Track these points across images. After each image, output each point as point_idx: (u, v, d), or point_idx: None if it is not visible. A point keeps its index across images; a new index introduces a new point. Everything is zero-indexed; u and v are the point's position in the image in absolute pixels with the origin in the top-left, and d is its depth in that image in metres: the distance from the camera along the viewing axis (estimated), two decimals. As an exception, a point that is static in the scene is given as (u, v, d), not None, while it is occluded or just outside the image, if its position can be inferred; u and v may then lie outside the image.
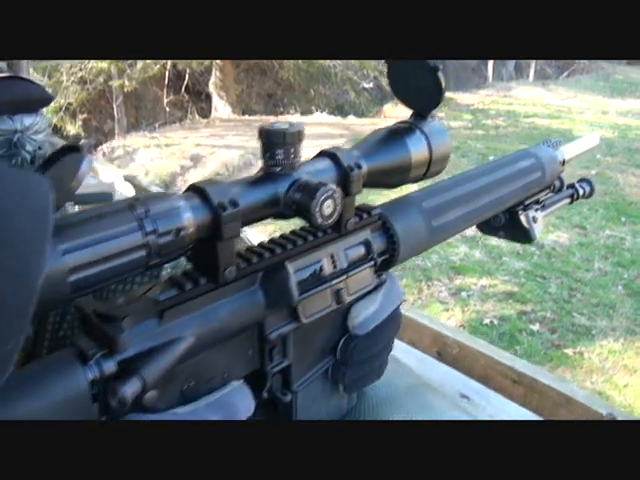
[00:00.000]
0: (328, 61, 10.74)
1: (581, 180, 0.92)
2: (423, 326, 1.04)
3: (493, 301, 3.62)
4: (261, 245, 0.56)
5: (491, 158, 6.32)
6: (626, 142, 7.38)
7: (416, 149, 0.63)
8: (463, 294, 3.70)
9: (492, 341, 3.17)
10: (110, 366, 0.44)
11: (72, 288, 0.40)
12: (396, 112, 9.89)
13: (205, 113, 11.02)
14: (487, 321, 3.39)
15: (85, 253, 0.40)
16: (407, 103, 0.64)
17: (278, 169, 0.53)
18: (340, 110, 11.41)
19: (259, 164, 0.55)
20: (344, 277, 0.60)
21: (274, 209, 0.54)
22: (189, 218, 0.46)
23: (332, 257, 0.59)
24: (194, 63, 10.09)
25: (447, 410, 0.70)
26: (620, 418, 0.82)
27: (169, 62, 10.05)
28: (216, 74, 10.62)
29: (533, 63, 13.74)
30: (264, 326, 0.55)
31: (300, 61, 11.16)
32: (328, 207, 0.53)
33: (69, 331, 0.55)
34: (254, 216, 0.52)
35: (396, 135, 0.64)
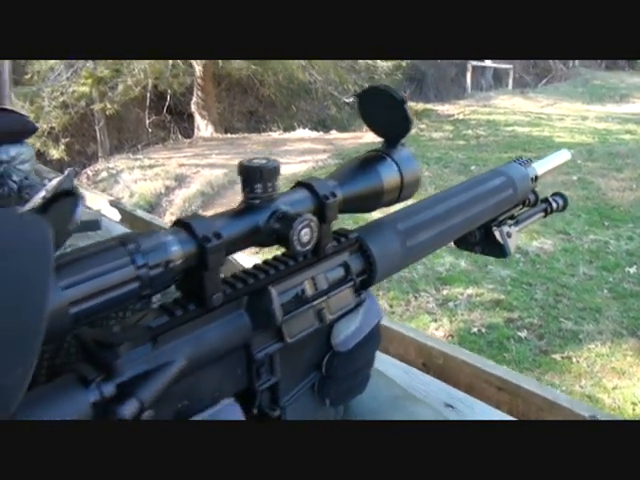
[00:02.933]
0: (308, 76, 10.81)
1: (555, 194, 0.94)
2: (409, 338, 1.06)
3: (480, 310, 3.66)
4: (245, 271, 0.58)
5: (473, 168, 6.39)
6: (606, 147, 7.49)
7: (387, 176, 0.66)
8: (450, 304, 3.73)
9: (480, 349, 3.20)
10: (109, 389, 0.46)
11: (72, 320, 0.43)
12: (378, 125, 9.97)
13: (188, 133, 11.06)
14: (475, 330, 3.42)
15: (83, 287, 0.43)
16: (378, 132, 0.67)
17: (257, 202, 0.57)
18: (322, 125, 11.50)
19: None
20: (325, 298, 0.62)
21: (255, 238, 0.57)
22: (177, 251, 0.49)
23: (313, 279, 0.62)
24: (175, 84, 10.13)
25: (431, 417, 0.72)
26: (601, 418, 0.85)
27: (150, 83, 10.09)
28: (197, 94, 10.67)
29: (511, 72, 13.89)
30: (251, 347, 0.58)
31: (280, 77, 11.24)
32: (306, 235, 0.56)
33: (65, 359, 0.58)
34: (237, 246, 0.55)
35: (368, 163, 0.67)
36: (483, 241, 0.86)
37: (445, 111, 10.84)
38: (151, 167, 7.91)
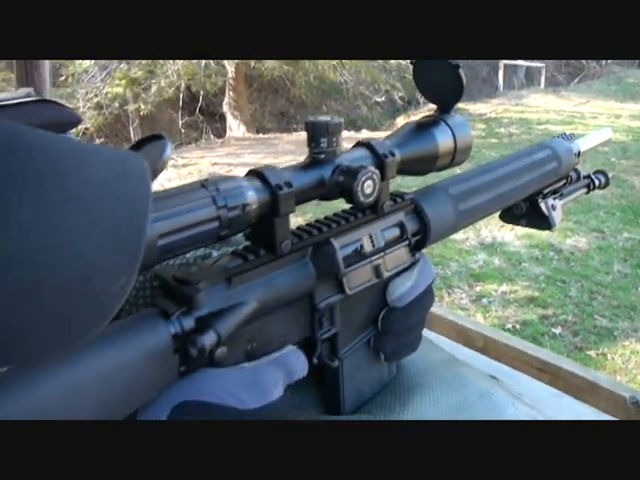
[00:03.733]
0: (339, 77, 10.83)
1: (597, 172, 0.96)
2: (449, 321, 1.09)
3: (514, 306, 3.65)
4: (309, 224, 0.62)
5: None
6: (640, 145, 7.40)
7: (442, 140, 0.69)
8: (484, 300, 3.73)
9: (515, 345, 3.19)
10: (189, 322, 0.50)
11: (159, 252, 0.47)
12: (409, 124, 9.96)
13: (220, 133, 11.15)
14: (509, 326, 3.42)
15: (171, 222, 0.47)
16: (431, 99, 0.70)
17: (322, 156, 0.60)
18: (353, 125, 11.49)
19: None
20: (382, 254, 0.66)
21: (320, 191, 0.60)
22: (252, 196, 0.53)
23: (371, 236, 0.65)
24: (208, 84, 10.23)
25: (478, 380, 0.74)
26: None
27: (183, 84, 10.20)
28: (229, 94, 10.76)
29: (544, 70, 13.75)
30: (314, 296, 0.62)
31: (311, 77, 11.27)
32: (368, 187, 0.60)
33: (140, 299, 0.62)
34: (304, 197, 0.59)
35: (424, 127, 0.70)
36: (528, 213, 0.89)
37: (477, 110, 10.76)
38: (184, 166, 7.99)
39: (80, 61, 9.29)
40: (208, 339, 0.49)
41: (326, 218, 0.64)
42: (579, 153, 0.91)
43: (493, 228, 4.76)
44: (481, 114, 10.36)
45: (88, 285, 0.35)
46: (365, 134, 9.82)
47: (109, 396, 0.46)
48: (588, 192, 0.96)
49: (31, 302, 0.33)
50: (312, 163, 0.60)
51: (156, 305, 0.51)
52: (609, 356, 3.16)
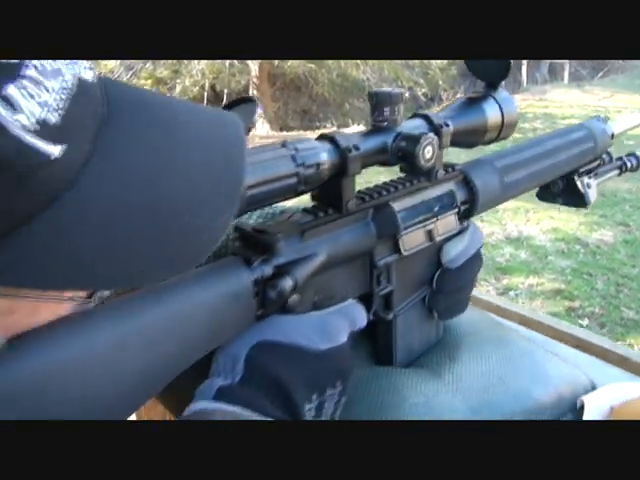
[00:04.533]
0: (362, 74, 10.86)
1: (629, 154, 1.01)
2: (484, 301, 1.14)
3: (541, 299, 3.69)
4: (370, 188, 0.69)
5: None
6: (666, 138, 7.36)
7: (491, 114, 0.76)
8: (511, 293, 3.77)
9: (542, 337, 3.23)
10: (268, 269, 0.57)
11: (246, 202, 0.53)
12: (432, 121, 9.96)
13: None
14: (536, 318, 3.45)
15: (257, 175, 0.54)
16: (480, 76, 0.76)
17: (385, 124, 0.66)
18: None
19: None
20: (434, 220, 0.72)
21: (383, 156, 0.67)
22: (325, 157, 0.59)
23: (425, 202, 0.72)
24: (232, 83, 10.31)
25: (520, 340, 0.81)
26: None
27: (207, 84, 10.29)
28: (253, 93, 10.83)
29: (567, 65, 13.67)
30: (374, 255, 0.68)
31: (334, 75, 11.31)
32: (428, 152, 0.66)
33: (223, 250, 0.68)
34: (369, 160, 0.65)
35: (474, 102, 0.76)
36: (565, 191, 0.94)
37: (500, 106, 10.75)
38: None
39: (105, 62, 9.41)
40: (286, 284, 0.56)
41: (385, 183, 0.70)
42: (613, 135, 0.96)
43: (519, 222, 4.79)
44: (504, 110, 10.33)
45: (198, 216, 0.41)
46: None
47: (192, 333, 0.51)
48: (620, 174, 1.01)
49: (149, 221, 0.39)
50: (376, 130, 0.67)
51: (237, 254, 0.57)
52: (636, 347, 3.19)
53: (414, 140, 0.65)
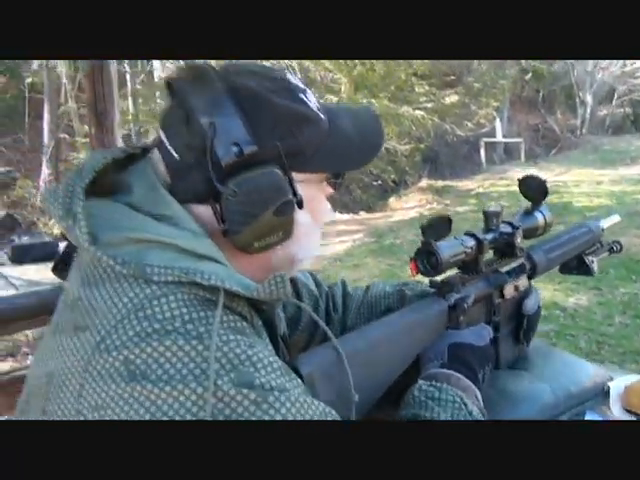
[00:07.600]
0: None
1: (614, 241, 1.38)
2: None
3: (531, 360, 3.96)
4: (487, 260, 1.07)
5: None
6: (624, 207, 7.84)
7: (540, 220, 1.14)
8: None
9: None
10: (451, 300, 0.95)
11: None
12: (400, 204, 10.45)
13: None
14: (530, 377, 3.72)
15: None
16: (529, 198, 1.14)
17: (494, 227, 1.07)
18: (345, 207, 11.85)
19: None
20: (517, 279, 1.09)
21: (494, 244, 1.06)
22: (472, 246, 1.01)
23: (513, 268, 1.09)
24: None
25: (564, 352, 1.25)
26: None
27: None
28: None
29: (522, 145, 14.30)
30: (492, 297, 1.05)
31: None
32: (519, 243, 1.09)
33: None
34: (487, 248, 1.04)
35: (530, 213, 1.14)
36: (578, 265, 1.31)
37: (464, 186, 11.26)
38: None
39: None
40: (462, 310, 0.93)
41: (494, 258, 1.09)
42: (603, 229, 1.35)
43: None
44: (469, 190, 10.81)
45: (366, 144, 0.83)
46: (364, 215, 10.22)
47: (411, 340, 0.88)
48: (610, 254, 1.38)
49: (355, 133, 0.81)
50: (491, 230, 1.05)
51: (435, 293, 0.97)
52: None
53: (512, 235, 1.06)
